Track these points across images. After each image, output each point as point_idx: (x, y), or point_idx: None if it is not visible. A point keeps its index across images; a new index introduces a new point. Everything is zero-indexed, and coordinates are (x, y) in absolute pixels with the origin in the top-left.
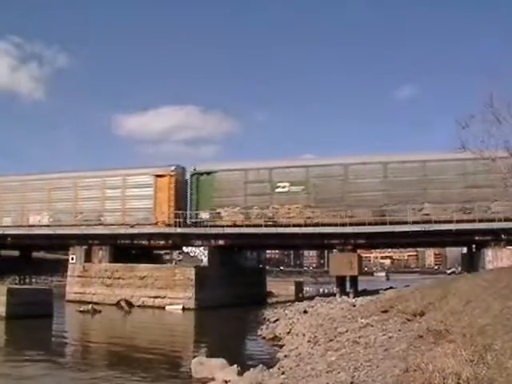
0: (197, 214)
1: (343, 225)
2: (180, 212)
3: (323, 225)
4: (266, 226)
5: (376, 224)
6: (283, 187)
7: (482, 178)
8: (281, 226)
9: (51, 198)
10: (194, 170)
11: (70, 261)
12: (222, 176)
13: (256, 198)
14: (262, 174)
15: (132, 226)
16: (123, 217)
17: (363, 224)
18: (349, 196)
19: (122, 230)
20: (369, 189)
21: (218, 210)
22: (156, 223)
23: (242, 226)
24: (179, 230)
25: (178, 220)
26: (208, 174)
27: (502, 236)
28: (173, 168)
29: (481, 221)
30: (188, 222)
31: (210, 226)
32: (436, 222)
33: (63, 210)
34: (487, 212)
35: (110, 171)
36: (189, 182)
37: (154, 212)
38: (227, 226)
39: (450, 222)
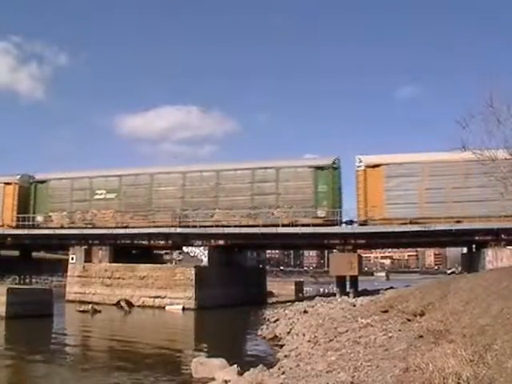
0: (34, 218)
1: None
2: (21, 216)
3: (132, 227)
4: (264, 226)
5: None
6: (100, 194)
7: (267, 187)
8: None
9: None
10: (34, 178)
11: (70, 261)
12: (54, 184)
13: (79, 203)
14: (84, 183)
15: None
16: None
17: (164, 227)
18: (153, 202)
19: (122, 230)
20: (169, 196)
21: (49, 214)
22: (2, 225)
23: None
24: (179, 229)
25: (19, 223)
26: (44, 182)
27: (502, 236)
28: (18, 177)
29: (264, 226)
30: (28, 224)
31: (44, 228)
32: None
33: None
34: (270, 218)
35: None
36: (30, 189)
37: (1, 215)
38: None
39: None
